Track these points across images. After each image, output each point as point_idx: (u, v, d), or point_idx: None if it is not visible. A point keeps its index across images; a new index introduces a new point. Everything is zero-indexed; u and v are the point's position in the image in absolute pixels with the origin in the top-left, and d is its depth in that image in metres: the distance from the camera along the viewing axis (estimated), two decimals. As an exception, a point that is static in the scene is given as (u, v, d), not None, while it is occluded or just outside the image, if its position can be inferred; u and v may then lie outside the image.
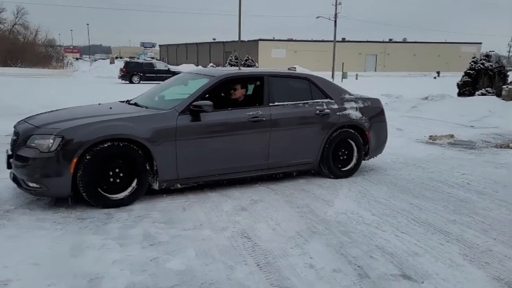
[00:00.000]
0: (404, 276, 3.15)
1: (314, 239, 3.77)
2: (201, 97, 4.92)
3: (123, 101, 5.82)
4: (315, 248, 3.59)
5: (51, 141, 4.21)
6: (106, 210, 4.34)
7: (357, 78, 39.30)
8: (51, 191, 4.28)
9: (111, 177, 4.42)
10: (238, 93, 5.53)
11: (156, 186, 4.70)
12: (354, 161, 5.93)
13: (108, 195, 4.42)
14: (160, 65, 30.18)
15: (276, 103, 5.37)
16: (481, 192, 5.24)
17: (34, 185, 4.24)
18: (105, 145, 4.31)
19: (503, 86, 12.92)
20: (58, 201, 4.53)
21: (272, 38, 67.21)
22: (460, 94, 14.94)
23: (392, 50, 69.70)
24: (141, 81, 27.94)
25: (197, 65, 43.04)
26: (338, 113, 5.71)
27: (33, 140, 4.31)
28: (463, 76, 15.07)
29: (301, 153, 5.57)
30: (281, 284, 3.00)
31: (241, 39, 34.61)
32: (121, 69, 28.54)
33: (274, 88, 5.43)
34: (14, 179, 4.50)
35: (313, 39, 67.52)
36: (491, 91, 13.70)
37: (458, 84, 15.27)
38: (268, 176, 5.53)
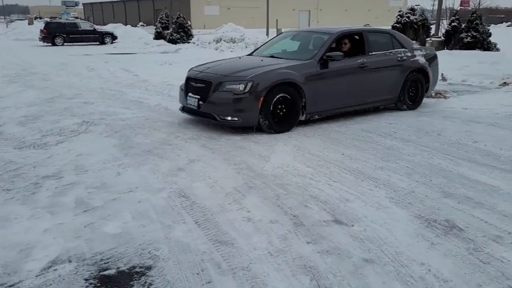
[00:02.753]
0: (336, 221, 3.33)
1: (251, 194, 3.85)
2: (328, 49, 6.38)
3: (249, 54, 7.48)
4: (252, 202, 3.67)
5: (243, 85, 5.62)
6: (34, 180, 4.12)
7: (291, 35, 39.34)
8: (244, 122, 5.73)
9: (278, 111, 5.86)
10: (347, 45, 6.90)
11: (303, 117, 6.18)
12: (419, 94, 7.52)
13: (278, 124, 5.88)
14: (85, 25, 28.28)
15: (373, 52, 6.89)
16: (406, 140, 5.57)
17: (230, 118, 5.68)
18: (276, 87, 5.74)
19: (427, 39, 13.58)
20: (-21, 174, 4.24)
21: (204, -5, 64.98)
22: (388, 48, 15.47)
23: (325, 5, 70.14)
24: (65, 43, 26.14)
25: (125, 24, 40.64)
26: (411, 60, 7.29)
27: (225, 85, 5.72)
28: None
29: (388, 91, 7.13)
30: (220, 239, 3.05)
31: (172, -5, 33.07)
32: (41, 31, 26.39)
33: (370, 41, 6.94)
34: (192, 113, 6.21)
35: (246, -4, 66.13)
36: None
37: (386, 38, 15.79)
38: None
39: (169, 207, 3.57)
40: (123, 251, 2.89)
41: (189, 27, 26.63)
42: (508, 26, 50.63)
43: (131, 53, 20.60)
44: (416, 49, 7.51)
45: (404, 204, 3.62)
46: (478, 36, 14.13)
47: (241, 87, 5.64)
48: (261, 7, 50.22)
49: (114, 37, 27.90)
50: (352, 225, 3.25)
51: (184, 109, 6.44)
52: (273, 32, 38.09)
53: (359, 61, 6.65)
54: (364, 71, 6.68)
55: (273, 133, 5.79)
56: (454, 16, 14.89)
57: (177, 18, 26.22)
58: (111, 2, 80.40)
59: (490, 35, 14.54)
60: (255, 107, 5.64)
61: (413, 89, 7.42)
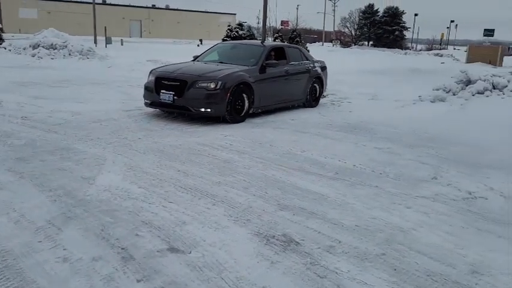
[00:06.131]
0: (172, 249, 2.97)
1: (70, 226, 3.23)
2: (266, 58, 8.13)
3: (194, 60, 8.79)
4: (70, 237, 3.07)
5: (214, 84, 6.97)
6: None
7: (122, 44, 37.66)
8: (216, 112, 7.06)
9: (236, 105, 7.31)
10: (275, 56, 8.55)
11: (251, 111, 7.67)
12: (318, 96, 9.73)
13: (237, 115, 7.36)
14: None
15: (292, 62, 8.84)
16: (242, 152, 5.55)
17: (203, 109, 6.96)
18: (237, 86, 7.19)
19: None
20: None
21: (19, -5, 57.75)
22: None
23: (157, 16, 69.48)
24: None
25: None
26: (313, 69, 9.45)
27: (198, 83, 7.01)
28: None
29: (301, 92, 9.14)
30: (24, 292, 2.41)
31: (-25, -8, 28.26)
32: None
33: (289, 53, 8.95)
34: (165, 106, 7.32)
35: (71, 0, 61.21)
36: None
37: (218, 51, 16.18)
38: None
39: (-48, 256, 2.72)
40: None
41: (-1, 29, 23.12)
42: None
43: None
44: (315, 61, 9.73)
45: (243, 222, 3.47)
46: (298, 52, 15.58)
47: (212, 85, 6.98)
48: (89, 13, 46.94)
49: None
50: (190, 252, 2.94)
51: (153, 104, 7.50)
52: (101, 40, 35.93)
53: (284, 68, 8.50)
54: (288, 77, 8.57)
55: (232, 123, 7.20)
56: (277, 33, 16.07)
57: (-17, 18, 22.48)
58: None
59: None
60: (224, 101, 7.03)
61: (314, 91, 9.54)
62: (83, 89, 10.45)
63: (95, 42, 34.19)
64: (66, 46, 19.68)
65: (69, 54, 19.31)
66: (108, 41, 35.55)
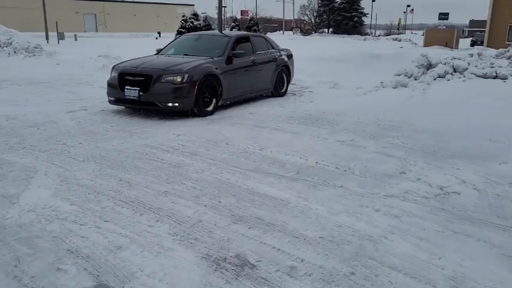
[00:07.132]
0: (100, 286, 2.45)
1: (-25, 263, 2.64)
2: (231, 49, 7.83)
3: (156, 54, 8.35)
4: (-27, 279, 2.48)
5: (181, 77, 6.76)
6: None
7: (76, 39, 35.94)
8: (184, 106, 6.87)
9: (205, 97, 7.11)
10: (241, 46, 8.21)
11: (220, 103, 7.43)
12: (285, 85, 9.55)
13: (205, 108, 7.13)
14: None
15: (258, 52, 8.64)
16: (194, 153, 5.03)
17: (171, 104, 6.76)
18: (205, 78, 7.00)
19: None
20: None
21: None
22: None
23: (112, 9, 66.96)
24: None
25: None
26: (280, 58, 9.26)
27: (164, 77, 6.76)
28: (176, 35, 15.36)
29: (269, 82, 8.96)
30: None
31: None
32: None
33: (255, 43, 8.72)
34: (131, 103, 7.01)
35: (17, -5, 57.93)
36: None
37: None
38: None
39: None
40: None
41: None
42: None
43: None
44: (281, 50, 9.53)
45: (189, 242, 2.97)
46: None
47: (179, 78, 6.72)
48: (36, 8, 44.56)
49: None
50: (122, 289, 2.42)
51: (118, 101, 7.15)
52: (53, 36, 34.13)
53: (251, 58, 8.29)
54: (255, 66, 8.35)
55: (201, 116, 6.98)
56: (234, 22, 15.52)
57: None
58: None
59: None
60: (192, 94, 6.79)
61: (281, 80, 9.37)
62: (24, 90, 9.58)
63: (47, 38, 32.45)
64: (11, 43, 18.39)
65: (15, 52, 18.04)
66: (60, 37, 33.86)
